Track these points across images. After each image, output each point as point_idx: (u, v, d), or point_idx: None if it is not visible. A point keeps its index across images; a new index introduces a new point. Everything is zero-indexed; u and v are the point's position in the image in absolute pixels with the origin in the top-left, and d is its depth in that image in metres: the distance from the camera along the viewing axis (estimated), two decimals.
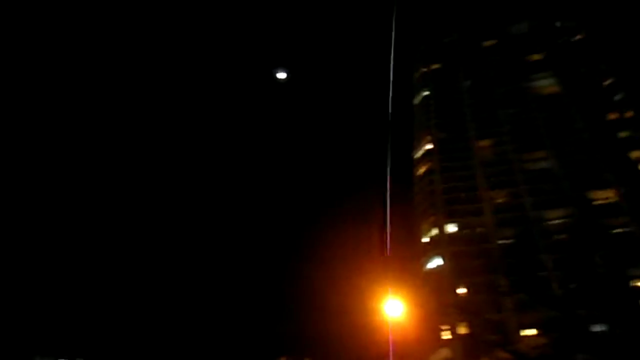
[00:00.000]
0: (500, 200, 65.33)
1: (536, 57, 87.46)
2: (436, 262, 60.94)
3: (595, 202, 60.65)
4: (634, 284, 50.66)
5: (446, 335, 48.75)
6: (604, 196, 60.86)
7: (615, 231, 56.26)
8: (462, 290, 55.19)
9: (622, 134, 68.56)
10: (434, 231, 64.77)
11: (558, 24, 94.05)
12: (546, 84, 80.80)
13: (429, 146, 77.04)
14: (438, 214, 65.83)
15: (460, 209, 65.10)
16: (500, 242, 59.19)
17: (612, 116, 71.90)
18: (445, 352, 48.40)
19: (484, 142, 74.20)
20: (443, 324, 50.25)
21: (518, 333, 46.71)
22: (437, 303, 51.92)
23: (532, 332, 45.21)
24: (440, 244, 61.97)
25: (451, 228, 64.02)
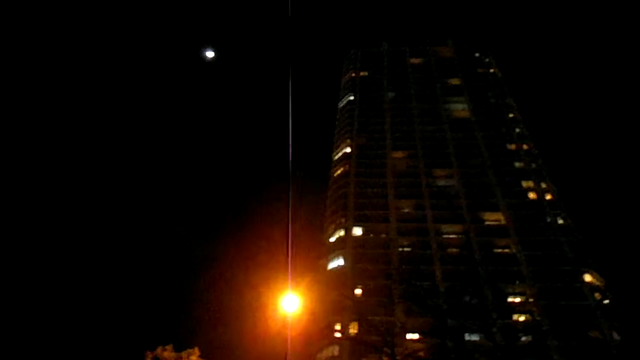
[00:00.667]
0: (405, 210, 68.89)
1: (455, 81, 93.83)
2: (339, 262, 62.60)
3: (486, 223, 66.37)
4: (510, 300, 56.37)
5: (337, 333, 50.26)
6: (495, 218, 66.82)
7: (498, 251, 62.05)
8: (358, 291, 57.26)
9: (517, 165, 75.84)
10: (341, 232, 66.54)
11: (477, 54, 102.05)
12: (459, 108, 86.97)
13: (348, 149, 79.05)
14: (347, 216, 67.72)
15: (368, 214, 67.52)
16: (400, 249, 62.35)
17: (512, 147, 79.25)
18: (332, 349, 49.98)
19: (398, 154, 77.85)
20: (336, 322, 51.76)
21: (404, 337, 49.73)
22: (333, 302, 53.29)
23: (415, 337, 48.40)
24: (345, 245, 63.75)
25: (357, 231, 66.18)
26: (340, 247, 64.24)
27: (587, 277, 58.68)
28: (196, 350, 28.88)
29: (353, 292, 57.14)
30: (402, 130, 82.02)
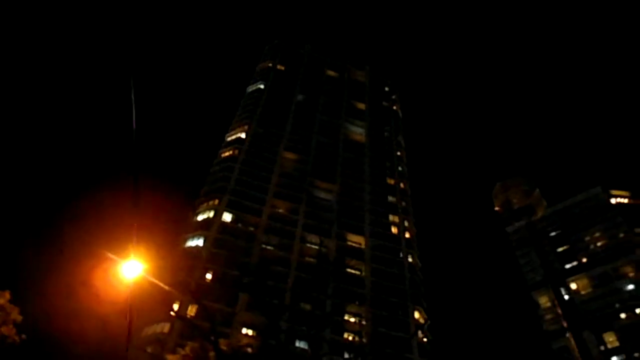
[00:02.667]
0: (279, 210, 69.66)
1: (360, 105, 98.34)
2: (198, 242, 60.83)
3: (348, 242, 70.06)
4: (346, 318, 59.91)
5: (172, 312, 48.57)
6: (357, 240, 70.86)
7: (351, 271, 65.82)
8: (209, 276, 56.14)
9: (390, 199, 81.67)
10: (210, 214, 64.86)
11: (387, 88, 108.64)
12: (357, 132, 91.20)
13: (242, 135, 77.69)
14: (221, 200, 66.29)
15: (242, 204, 66.89)
16: (263, 245, 62.74)
17: (390, 181, 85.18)
18: (163, 326, 48.32)
19: (290, 155, 78.72)
20: (176, 300, 50.05)
21: (240, 330, 49.98)
22: (180, 280, 51.47)
23: (249, 332, 48.95)
24: (209, 227, 62.21)
25: (227, 217, 65.07)
26: (204, 227, 62.54)
27: (417, 314, 65.05)
28: (7, 295, 25.46)
29: (204, 275, 55.89)
30: (300, 134, 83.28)
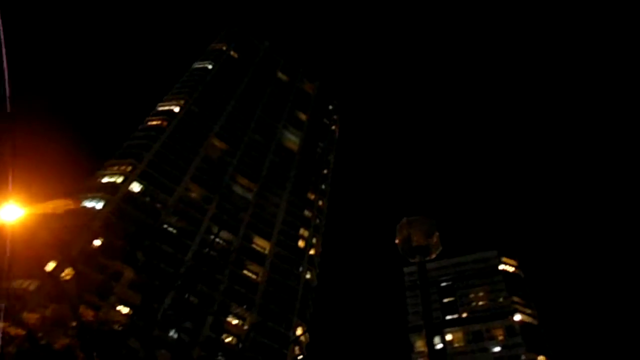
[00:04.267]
0: (193, 195, 67.12)
1: (302, 116, 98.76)
2: (97, 205, 56.63)
3: (253, 245, 69.11)
4: (229, 319, 58.61)
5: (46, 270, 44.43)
6: (262, 245, 70.14)
7: (248, 273, 64.84)
8: (97, 242, 52.30)
9: (306, 213, 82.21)
10: (119, 179, 60.84)
11: (331, 107, 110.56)
12: (292, 140, 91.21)
13: (176, 109, 74.37)
14: (135, 168, 62.48)
15: (156, 177, 63.59)
16: (165, 225, 59.88)
17: (311, 196, 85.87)
18: (28, 283, 44.25)
19: (219, 143, 76.59)
20: (52, 259, 45.84)
21: (115, 306, 46.83)
22: (65, 239, 47.28)
23: (125, 310, 46.03)
24: (115, 193, 58.21)
25: (136, 187, 61.42)
26: (108, 191, 58.39)
27: (299, 330, 65.37)
28: None
29: (92, 240, 51.93)
30: (236, 125, 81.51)
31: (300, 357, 62.65)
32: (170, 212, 61.77)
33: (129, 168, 62.63)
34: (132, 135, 69.83)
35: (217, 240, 63.84)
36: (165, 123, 71.11)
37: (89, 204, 56.78)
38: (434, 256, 11.50)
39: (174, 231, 60.46)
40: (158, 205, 62.01)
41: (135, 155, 64.39)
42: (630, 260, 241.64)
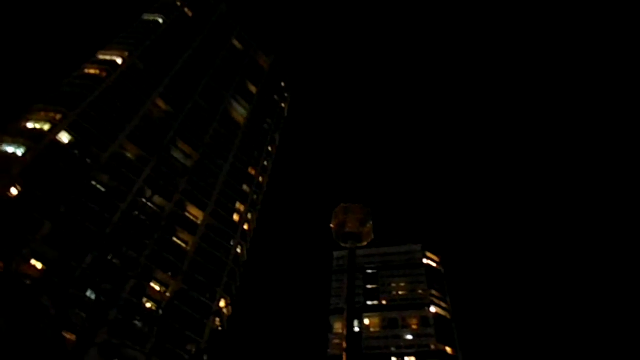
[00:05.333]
0: (128, 154, 63.98)
1: (252, 88, 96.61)
2: (17, 150, 52.39)
3: (186, 213, 67.44)
4: (152, 285, 57.16)
5: None
6: (195, 214, 68.65)
7: (177, 241, 63.42)
8: (15, 192, 48.58)
9: (245, 187, 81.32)
10: (46, 125, 56.57)
11: (283, 84, 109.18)
12: (239, 111, 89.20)
13: (119, 60, 69.86)
14: (67, 117, 58.19)
15: (89, 130, 59.72)
16: (93, 183, 56.75)
17: (251, 171, 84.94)
18: None
19: (162, 104, 73.23)
20: None
21: (29, 260, 43.99)
22: None
23: (39, 265, 43.38)
24: (39, 140, 54.03)
25: (64, 137, 57.39)
26: (32, 138, 54.06)
27: (223, 302, 65.22)
28: None
29: (9, 188, 48.12)
30: (182, 87, 78.15)
31: (221, 328, 62.62)
32: (101, 169, 58.53)
33: (59, 116, 58.29)
34: (65, 81, 64.85)
35: (149, 204, 61.70)
36: (105, 74, 66.63)
37: (9, 148, 52.46)
38: (365, 244, 11.91)
39: (103, 189, 57.48)
40: (88, 161, 58.47)
41: (67, 104, 59.94)
42: (537, 266, 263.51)
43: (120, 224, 54.25)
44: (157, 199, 63.00)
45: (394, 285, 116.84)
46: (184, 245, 64.26)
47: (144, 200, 61.60)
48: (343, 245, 11.93)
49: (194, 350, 55.49)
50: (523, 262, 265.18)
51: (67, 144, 57.07)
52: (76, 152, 57.85)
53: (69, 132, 57.72)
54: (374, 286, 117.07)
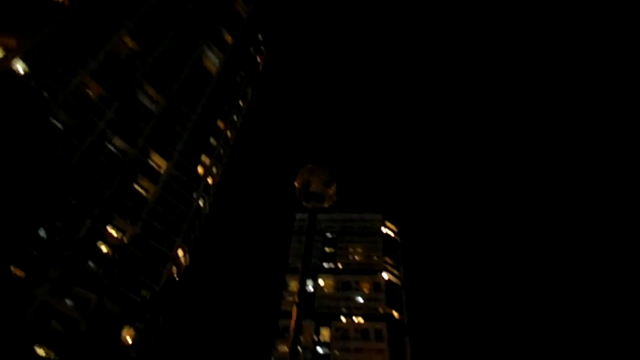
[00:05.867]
0: (88, 92, 60.75)
1: (228, 38, 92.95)
2: None
3: (149, 160, 65.58)
4: (109, 229, 56.03)
5: None
6: (159, 163, 66.92)
7: (137, 188, 61.97)
8: None
9: (212, 140, 79.66)
10: None
11: (260, 37, 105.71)
12: (212, 60, 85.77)
13: None
14: (22, 44, 54.32)
15: (47, 61, 56.16)
16: (51, 118, 53.91)
17: (220, 124, 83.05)
18: None
19: (130, 42, 69.29)
20: None
21: None
22: None
23: None
24: None
25: (20, 66, 53.73)
26: None
27: (180, 252, 65.00)
28: None
29: None
30: (153, 26, 74.03)
31: (177, 278, 62.67)
32: (59, 106, 55.56)
33: (14, 42, 54.29)
34: (23, 6, 60.06)
35: (110, 147, 59.60)
36: (67, 1, 62.15)
37: None
38: (327, 205, 11.84)
39: (61, 127, 54.82)
40: (45, 94, 55.28)
41: (23, 30, 55.79)
42: (486, 246, 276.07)
43: (79, 165, 52.31)
44: (119, 142, 60.85)
45: (351, 250, 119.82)
46: (144, 193, 62.88)
47: (105, 143, 59.41)
48: (305, 204, 11.83)
49: (148, 296, 55.47)
50: (475, 242, 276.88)
51: (22, 75, 53.59)
52: (32, 82, 54.51)
53: (25, 62, 54.10)
54: (331, 250, 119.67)
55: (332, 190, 12.38)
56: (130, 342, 53.39)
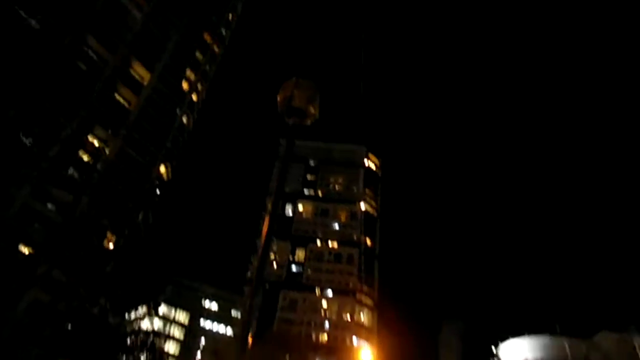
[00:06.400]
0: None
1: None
2: None
3: (131, 70, 63.38)
4: (91, 138, 55.53)
5: None
6: (141, 73, 64.77)
7: (118, 97, 60.63)
8: None
9: (198, 55, 76.72)
10: None
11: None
12: None
13: None
14: None
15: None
16: (25, 17, 50.95)
17: (207, 37, 79.44)
18: None
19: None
20: None
21: None
22: None
23: None
24: None
25: None
26: None
27: (162, 168, 65.38)
28: None
29: None
30: None
31: (159, 192, 63.55)
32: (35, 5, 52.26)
33: None
34: None
35: (90, 52, 57.26)
36: None
37: None
38: (309, 122, 12.13)
39: (38, 27, 52.01)
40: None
41: None
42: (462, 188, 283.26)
43: (55, 69, 50.46)
44: (99, 48, 58.36)
45: (332, 179, 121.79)
46: (126, 104, 61.58)
47: (84, 48, 56.89)
48: (286, 120, 12.07)
49: (130, 206, 56.48)
50: (453, 182, 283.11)
51: None
52: None
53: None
54: (313, 177, 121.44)
55: (315, 107, 12.58)
56: (111, 247, 55.23)
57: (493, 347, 49.05)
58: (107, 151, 56.41)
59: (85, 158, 54.05)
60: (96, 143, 56.38)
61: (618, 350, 41.80)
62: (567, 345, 37.88)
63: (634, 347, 42.67)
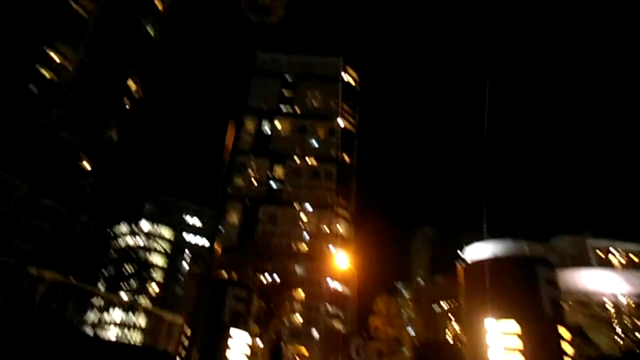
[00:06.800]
0: None
1: None
2: None
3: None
4: (51, 53, 52.11)
5: None
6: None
7: (75, 6, 56.22)
8: None
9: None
10: None
11: None
12: None
13: None
14: None
15: None
16: None
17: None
18: None
19: None
20: None
21: None
22: None
23: None
24: None
25: None
26: None
27: (131, 83, 62.69)
28: None
29: None
30: None
31: (128, 107, 61.53)
32: None
33: None
34: None
35: None
36: None
37: None
38: (275, 20, 11.50)
39: None
40: None
41: None
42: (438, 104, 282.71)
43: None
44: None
45: (309, 95, 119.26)
46: (84, 13, 57.14)
47: None
48: (251, 15, 11.45)
49: (100, 123, 54.91)
50: (428, 101, 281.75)
51: None
52: None
53: None
54: (290, 93, 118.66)
55: (280, 5, 11.92)
56: (89, 168, 54.46)
57: (459, 251, 52.47)
58: (69, 66, 53.38)
59: (47, 75, 51.22)
60: (57, 58, 53.11)
61: (572, 252, 46.36)
62: (526, 247, 40.99)
63: (587, 249, 47.07)
